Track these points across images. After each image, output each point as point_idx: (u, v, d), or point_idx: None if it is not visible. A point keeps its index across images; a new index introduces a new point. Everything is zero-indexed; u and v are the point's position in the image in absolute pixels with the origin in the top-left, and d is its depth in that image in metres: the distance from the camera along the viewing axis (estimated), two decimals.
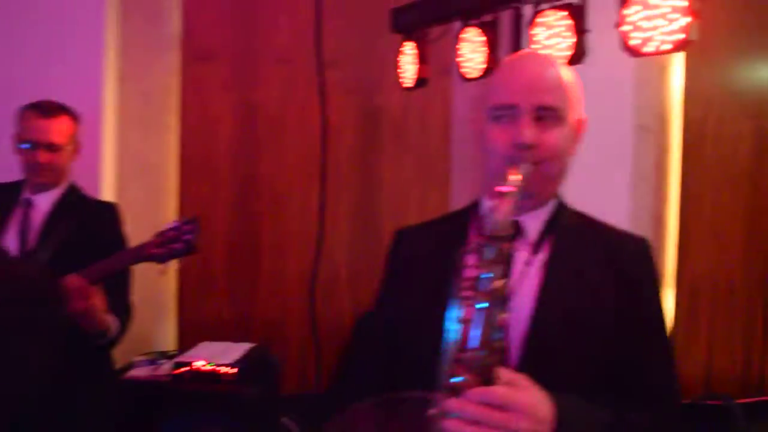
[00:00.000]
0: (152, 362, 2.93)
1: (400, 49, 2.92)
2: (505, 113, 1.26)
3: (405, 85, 2.94)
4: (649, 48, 1.90)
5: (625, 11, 1.91)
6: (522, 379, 1.05)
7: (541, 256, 1.28)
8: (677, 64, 2.81)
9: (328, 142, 3.43)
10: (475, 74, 2.54)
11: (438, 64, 2.98)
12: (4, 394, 1.24)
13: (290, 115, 3.55)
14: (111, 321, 2.10)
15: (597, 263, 1.27)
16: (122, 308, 2.21)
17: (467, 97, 3.26)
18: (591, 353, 1.22)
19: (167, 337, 3.46)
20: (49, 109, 2.23)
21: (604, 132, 2.58)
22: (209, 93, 3.52)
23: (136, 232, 2.31)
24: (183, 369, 2.75)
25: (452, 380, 1.02)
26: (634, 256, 1.30)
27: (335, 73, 3.43)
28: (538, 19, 2.21)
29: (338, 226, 3.52)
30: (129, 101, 3.30)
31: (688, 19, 1.82)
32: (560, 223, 1.31)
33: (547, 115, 1.24)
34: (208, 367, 2.73)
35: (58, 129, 2.23)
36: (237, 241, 3.56)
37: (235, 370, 2.74)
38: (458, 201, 2.41)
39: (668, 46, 1.87)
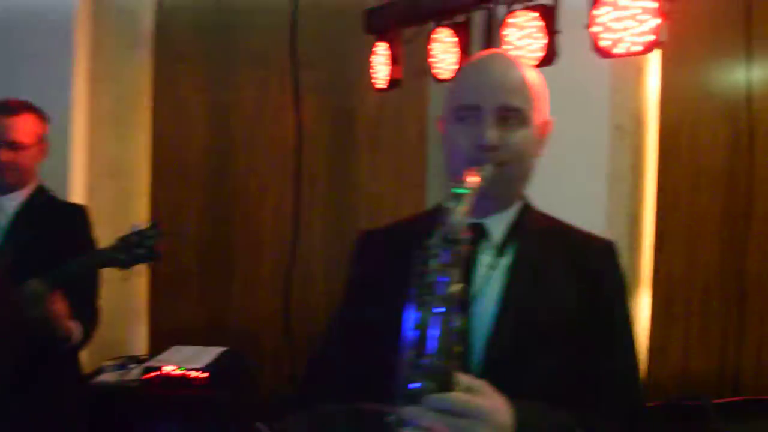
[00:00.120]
0: (121, 367, 2.88)
1: (373, 50, 2.90)
2: (468, 114, 1.24)
3: (378, 86, 2.92)
4: (620, 49, 1.89)
5: (595, 12, 1.90)
6: (482, 385, 1.04)
7: (506, 260, 1.26)
8: (654, 66, 2.82)
9: (303, 143, 3.40)
10: (447, 75, 2.53)
11: (414, 65, 2.96)
12: None
13: (264, 116, 3.52)
14: (74, 327, 2.05)
15: (562, 267, 1.26)
16: (88, 314, 2.17)
17: (443, 98, 3.25)
18: (554, 358, 1.21)
19: (138, 342, 3.41)
20: (12, 107, 2.18)
21: (581, 133, 2.59)
22: (182, 94, 3.49)
23: (107, 235, 2.27)
24: (152, 374, 2.71)
25: (410, 387, 1.00)
26: (599, 259, 1.29)
27: (310, 74, 3.41)
28: (510, 20, 2.20)
29: (313, 228, 3.50)
30: (100, 101, 3.25)
31: (658, 21, 1.81)
32: (525, 226, 1.30)
33: (511, 116, 1.23)
34: (178, 372, 2.69)
35: (21, 127, 2.17)
36: (210, 243, 3.52)
37: (206, 374, 2.71)
38: (434, 202, 2.39)
39: (639, 48, 1.87)
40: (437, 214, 1.32)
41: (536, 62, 2.14)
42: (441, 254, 1.04)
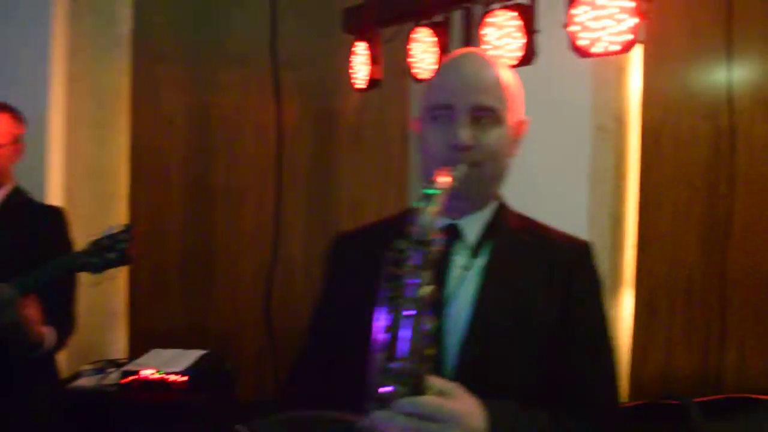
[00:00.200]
0: (99, 371, 2.84)
1: (352, 49, 2.88)
2: (442, 113, 1.23)
3: (357, 87, 2.90)
4: (598, 48, 1.89)
5: (573, 11, 1.90)
6: (454, 388, 1.03)
7: (480, 261, 1.24)
8: (635, 66, 2.81)
9: (284, 144, 3.38)
10: (426, 75, 2.52)
11: (396, 65, 2.95)
12: None
13: (245, 117, 3.50)
14: (46, 332, 2.02)
15: (537, 268, 1.25)
16: (63, 318, 2.13)
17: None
18: (529, 360, 1.20)
19: (118, 345, 3.37)
20: None
21: (563, 133, 2.58)
22: (161, 94, 3.45)
23: (85, 237, 2.23)
24: (130, 378, 2.67)
25: (381, 390, 0.98)
26: (575, 260, 1.28)
27: (291, 74, 3.39)
28: (488, 20, 2.19)
29: (295, 229, 3.47)
30: (78, 102, 3.21)
31: (636, 20, 1.81)
32: (500, 226, 1.29)
33: (485, 115, 1.22)
34: (157, 376, 2.66)
35: None
36: (191, 245, 3.49)
37: (186, 378, 2.67)
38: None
39: (617, 47, 1.87)
40: (410, 215, 1.32)
41: (515, 62, 2.13)
42: (412, 256, 1.02)
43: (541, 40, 2.18)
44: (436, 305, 1.16)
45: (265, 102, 3.39)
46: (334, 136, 3.54)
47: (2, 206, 2.19)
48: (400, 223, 1.31)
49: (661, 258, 2.84)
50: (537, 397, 1.18)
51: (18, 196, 2.24)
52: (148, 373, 2.67)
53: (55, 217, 2.29)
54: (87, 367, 2.90)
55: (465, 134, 1.19)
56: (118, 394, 2.67)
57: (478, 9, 2.29)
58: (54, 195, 3.04)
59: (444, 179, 1.10)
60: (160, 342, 3.13)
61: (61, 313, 2.13)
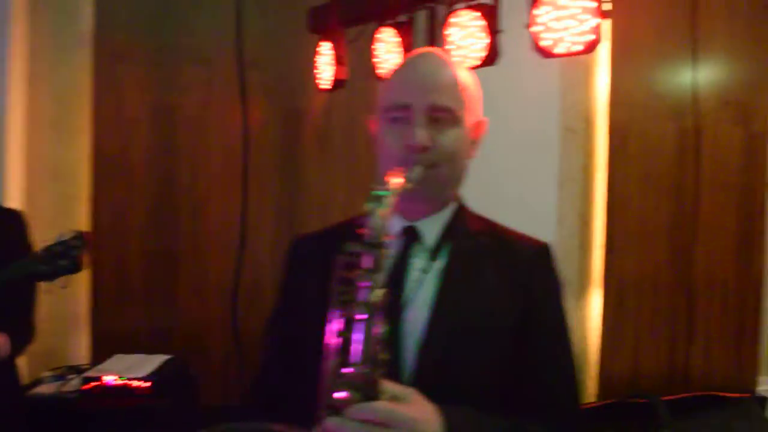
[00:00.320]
0: (60, 378, 2.77)
1: (317, 50, 2.85)
2: (398, 114, 1.21)
3: (322, 87, 2.87)
4: (561, 49, 1.88)
5: (535, 12, 1.89)
6: (409, 393, 1.01)
7: (439, 263, 1.22)
8: (602, 67, 2.82)
9: (250, 145, 3.33)
10: None
11: (362, 66, 2.92)
12: None
13: (210, 117, 3.45)
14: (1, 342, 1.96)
15: (496, 270, 1.23)
16: (20, 326, 2.07)
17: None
18: (488, 363, 1.19)
19: (80, 351, 3.30)
20: None
21: (531, 134, 2.58)
22: (124, 94, 3.39)
23: (46, 242, 2.17)
24: (92, 384, 2.62)
25: (334, 396, 0.96)
26: (533, 261, 1.27)
27: (257, 74, 3.34)
28: (452, 20, 2.18)
29: (261, 231, 3.43)
30: (38, 102, 3.14)
31: (598, 20, 1.80)
32: (459, 228, 1.27)
33: (442, 116, 1.20)
34: (120, 382, 2.61)
35: None
36: (154, 248, 3.43)
37: (149, 383, 2.63)
38: None
39: (579, 47, 1.87)
40: (365, 218, 1.29)
41: (479, 62, 2.12)
42: (363, 258, 1.00)
43: (507, 40, 2.17)
44: (393, 308, 1.14)
45: (230, 102, 3.34)
46: (301, 136, 3.51)
47: None
48: (356, 225, 1.30)
49: (629, 258, 2.85)
50: (497, 399, 1.17)
51: None
52: (110, 379, 2.62)
53: (13, 220, 2.22)
54: (48, 373, 2.83)
55: (421, 135, 1.17)
56: (80, 400, 2.61)
57: (441, 9, 2.27)
58: (13, 198, 2.98)
59: (395, 180, 1.08)
60: (123, 347, 3.07)
61: (17, 321, 2.07)
